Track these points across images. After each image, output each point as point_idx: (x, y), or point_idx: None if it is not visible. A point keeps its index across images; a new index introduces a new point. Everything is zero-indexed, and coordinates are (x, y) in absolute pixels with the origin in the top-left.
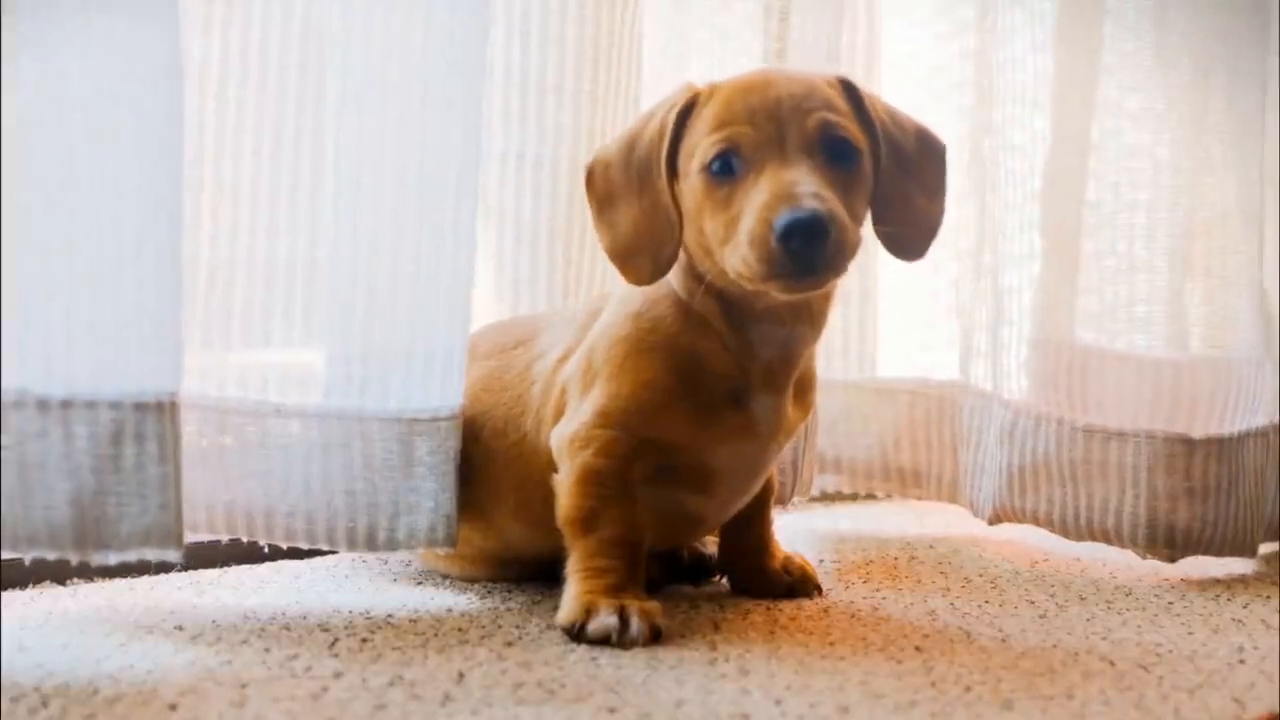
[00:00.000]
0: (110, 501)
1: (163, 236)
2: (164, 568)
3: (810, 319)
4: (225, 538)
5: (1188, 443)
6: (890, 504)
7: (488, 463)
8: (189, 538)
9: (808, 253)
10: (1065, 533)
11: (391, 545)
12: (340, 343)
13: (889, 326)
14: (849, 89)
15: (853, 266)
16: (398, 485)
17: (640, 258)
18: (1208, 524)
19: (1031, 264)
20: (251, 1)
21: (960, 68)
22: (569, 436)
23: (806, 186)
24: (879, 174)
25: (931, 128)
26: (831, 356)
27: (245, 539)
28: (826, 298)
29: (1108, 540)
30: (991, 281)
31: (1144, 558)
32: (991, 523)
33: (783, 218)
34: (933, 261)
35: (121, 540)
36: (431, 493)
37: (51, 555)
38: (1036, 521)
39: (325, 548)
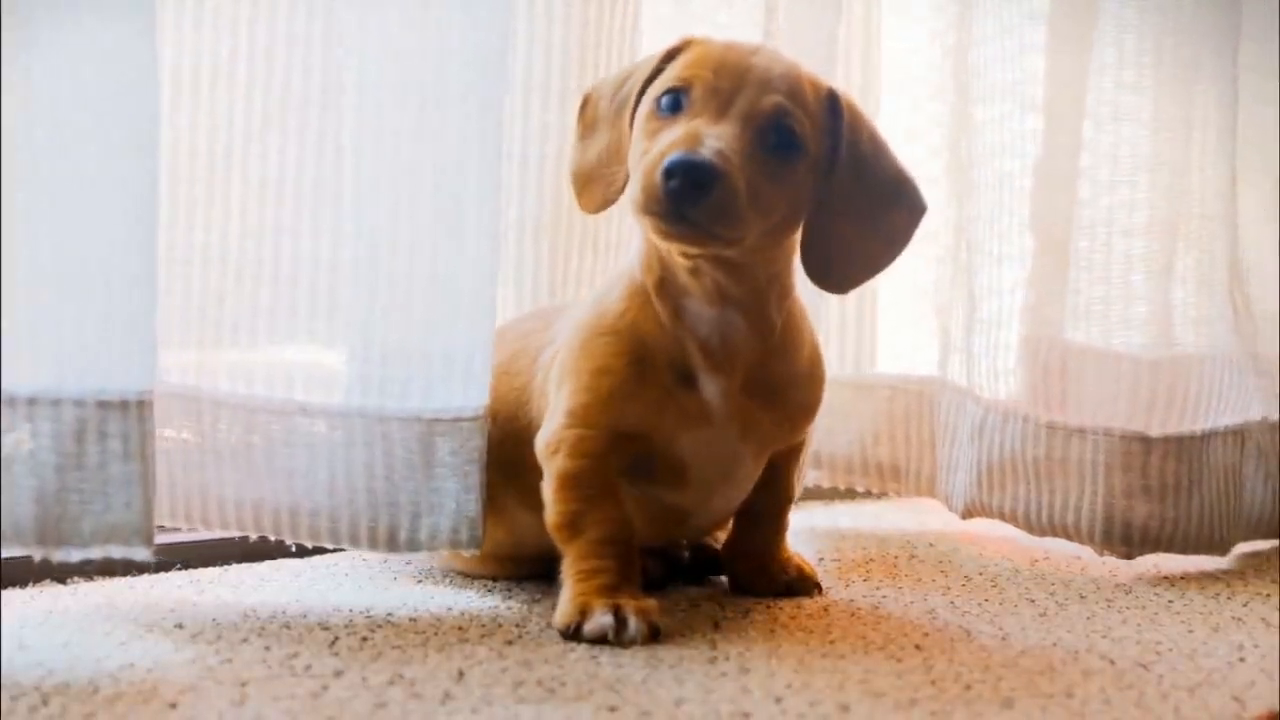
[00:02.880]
0: (73, 499)
1: (136, 236)
2: (164, 566)
3: (739, 306)
4: (253, 535)
5: (1145, 440)
6: (889, 502)
7: (503, 445)
8: (215, 534)
9: (681, 196)
10: (1029, 529)
11: (413, 546)
12: (362, 342)
13: (883, 323)
14: (832, 100)
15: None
16: (418, 486)
17: (594, 185)
18: (1167, 522)
19: (1006, 261)
20: (276, 3)
21: (944, 64)
22: (545, 441)
23: (713, 141)
24: (830, 191)
25: (918, 186)
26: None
27: (272, 537)
28: (755, 290)
29: (1068, 537)
30: (967, 278)
31: (1100, 554)
32: (964, 518)
33: (672, 156)
34: (927, 259)
35: (84, 538)
36: (453, 493)
37: (15, 552)
38: (1003, 517)
39: (348, 547)
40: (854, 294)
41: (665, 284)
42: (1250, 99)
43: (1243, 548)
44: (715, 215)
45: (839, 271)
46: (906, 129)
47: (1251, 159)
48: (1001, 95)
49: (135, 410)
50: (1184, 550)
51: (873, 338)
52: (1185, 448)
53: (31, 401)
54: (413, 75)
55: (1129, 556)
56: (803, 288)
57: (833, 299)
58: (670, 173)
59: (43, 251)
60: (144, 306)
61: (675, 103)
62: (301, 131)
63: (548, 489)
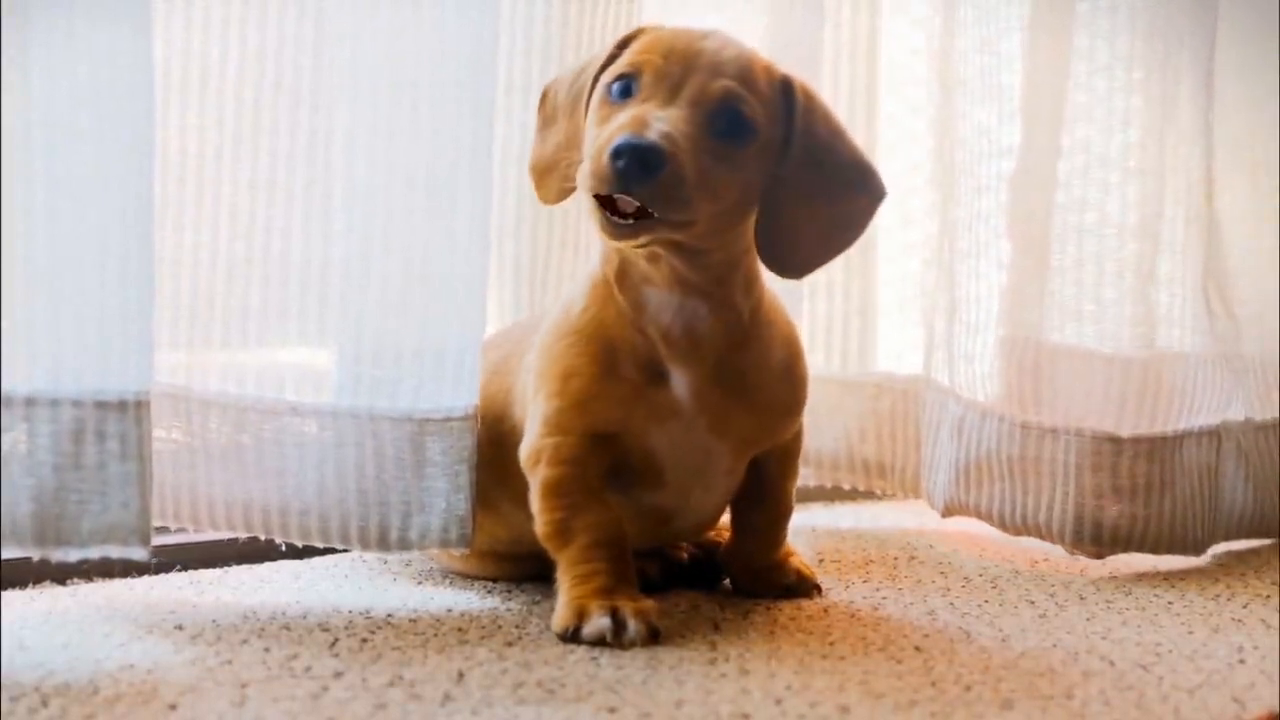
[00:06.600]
0: (71, 499)
1: (132, 237)
2: (163, 567)
3: (701, 294)
4: (243, 535)
5: (1115, 441)
6: (890, 502)
7: (494, 447)
8: (215, 535)
9: (628, 177)
10: (1003, 527)
11: (404, 545)
12: (353, 342)
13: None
14: (786, 86)
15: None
16: (409, 485)
17: (551, 175)
18: (1138, 521)
19: (990, 263)
20: (267, 3)
21: (932, 68)
22: (526, 453)
23: (661, 124)
24: (784, 176)
25: (877, 172)
26: (813, 351)
27: (262, 536)
28: (717, 278)
29: (1040, 536)
30: (949, 278)
31: (1072, 554)
32: (944, 516)
33: (619, 138)
34: (923, 262)
35: (83, 538)
36: (443, 493)
37: (13, 552)
38: (980, 516)
39: (339, 547)
40: (854, 293)
41: (625, 273)
42: (1234, 100)
43: (1225, 547)
44: (662, 196)
45: (791, 256)
46: (908, 132)
47: (1239, 160)
48: (990, 99)
49: (133, 410)
50: (1156, 550)
51: (872, 337)
52: (1157, 448)
53: (29, 402)
54: (404, 75)
55: (1099, 556)
56: (790, 288)
57: (827, 297)
58: (618, 153)
59: (40, 252)
60: (141, 307)
61: (626, 89)
62: (292, 132)
63: (534, 499)
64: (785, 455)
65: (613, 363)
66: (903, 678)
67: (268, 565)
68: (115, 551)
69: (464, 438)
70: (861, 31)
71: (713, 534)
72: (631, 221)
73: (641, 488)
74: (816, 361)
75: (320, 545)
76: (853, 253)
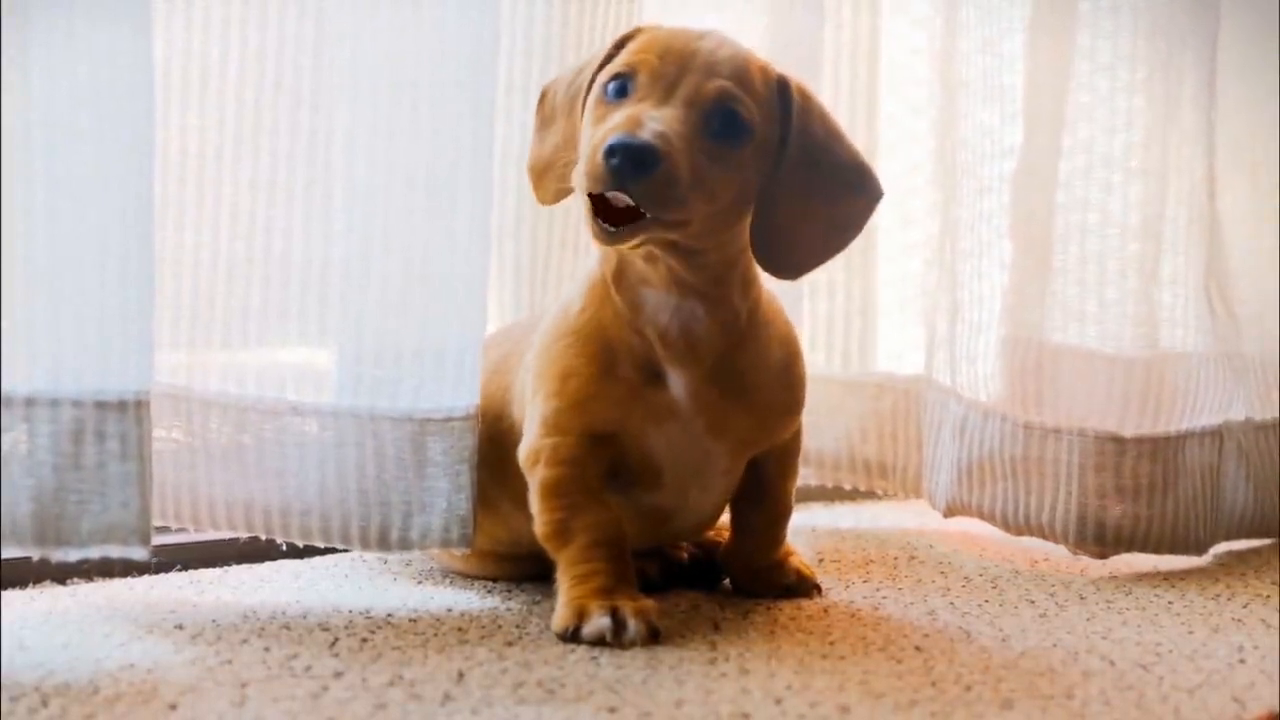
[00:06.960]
0: (71, 499)
1: (132, 237)
2: (163, 567)
3: (698, 294)
4: (243, 535)
5: (1118, 441)
6: (890, 502)
7: (493, 446)
8: (215, 535)
9: (622, 174)
10: (1006, 527)
11: (405, 545)
12: (353, 342)
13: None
14: (782, 86)
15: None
16: (410, 485)
17: (549, 176)
18: (1140, 521)
19: (992, 263)
20: (267, 3)
21: (933, 69)
22: (525, 453)
23: (655, 124)
24: (780, 177)
25: (874, 174)
26: (814, 350)
27: (263, 536)
28: (714, 278)
29: (1043, 536)
30: (950, 277)
31: (1075, 554)
32: (946, 516)
33: (613, 137)
34: (925, 262)
35: (82, 537)
36: (444, 493)
37: (13, 552)
38: (982, 516)
39: (340, 546)
40: (855, 293)
41: (623, 274)
42: (1235, 100)
43: (1226, 547)
44: (656, 195)
45: (787, 256)
46: (909, 132)
47: (1240, 160)
48: (992, 100)
49: (133, 410)
50: (1159, 550)
51: (873, 337)
52: (1159, 448)
53: (29, 402)
54: (404, 75)
55: (1103, 556)
56: (790, 288)
57: (828, 297)
58: (611, 152)
59: (40, 252)
60: (141, 306)
61: (622, 88)
62: (292, 132)
63: (533, 500)
64: (784, 455)
65: (610, 363)
66: (903, 678)
67: (268, 565)
68: (115, 551)
69: (465, 437)
70: (862, 31)
71: (713, 534)
72: (622, 228)
73: (640, 488)
74: (817, 361)
75: (321, 545)
76: (853, 253)
